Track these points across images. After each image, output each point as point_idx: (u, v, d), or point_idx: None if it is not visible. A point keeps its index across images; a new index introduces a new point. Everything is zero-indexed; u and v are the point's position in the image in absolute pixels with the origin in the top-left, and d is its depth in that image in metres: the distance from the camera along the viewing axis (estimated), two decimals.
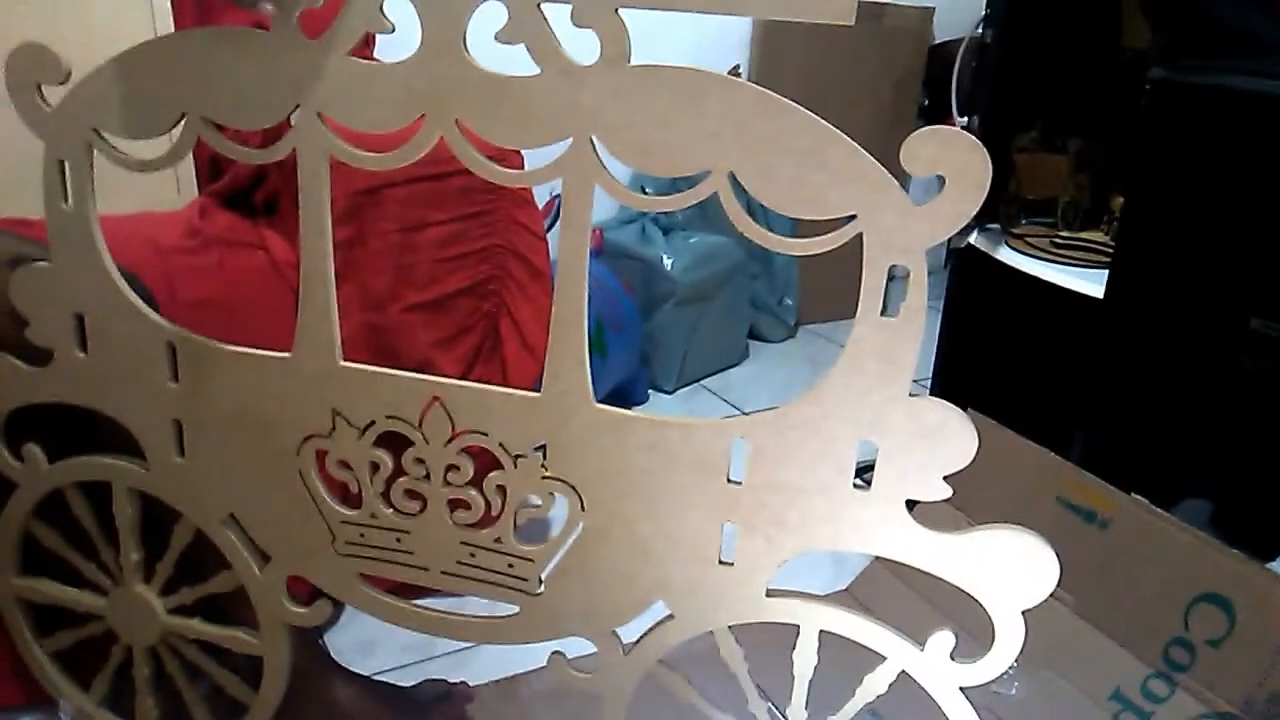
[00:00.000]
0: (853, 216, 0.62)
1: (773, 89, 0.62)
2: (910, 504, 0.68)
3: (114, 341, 0.79)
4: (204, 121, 0.72)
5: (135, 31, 1.12)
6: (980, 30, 1.46)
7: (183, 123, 0.72)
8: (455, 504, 0.77)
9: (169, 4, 1.19)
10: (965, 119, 1.65)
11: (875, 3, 2.31)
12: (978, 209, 0.60)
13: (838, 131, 0.61)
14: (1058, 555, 0.66)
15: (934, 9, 2.39)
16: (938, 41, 2.42)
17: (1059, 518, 1.15)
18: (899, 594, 1.23)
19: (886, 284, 0.64)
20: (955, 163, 0.59)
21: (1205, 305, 1.18)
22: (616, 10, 0.63)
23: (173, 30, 1.19)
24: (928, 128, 0.59)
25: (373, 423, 0.76)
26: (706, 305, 2.10)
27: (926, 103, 2.41)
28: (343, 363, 0.76)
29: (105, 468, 0.84)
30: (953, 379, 1.61)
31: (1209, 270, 1.17)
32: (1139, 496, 1.10)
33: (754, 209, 0.67)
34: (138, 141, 0.74)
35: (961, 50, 2.00)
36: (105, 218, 0.77)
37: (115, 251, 0.77)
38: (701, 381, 2.16)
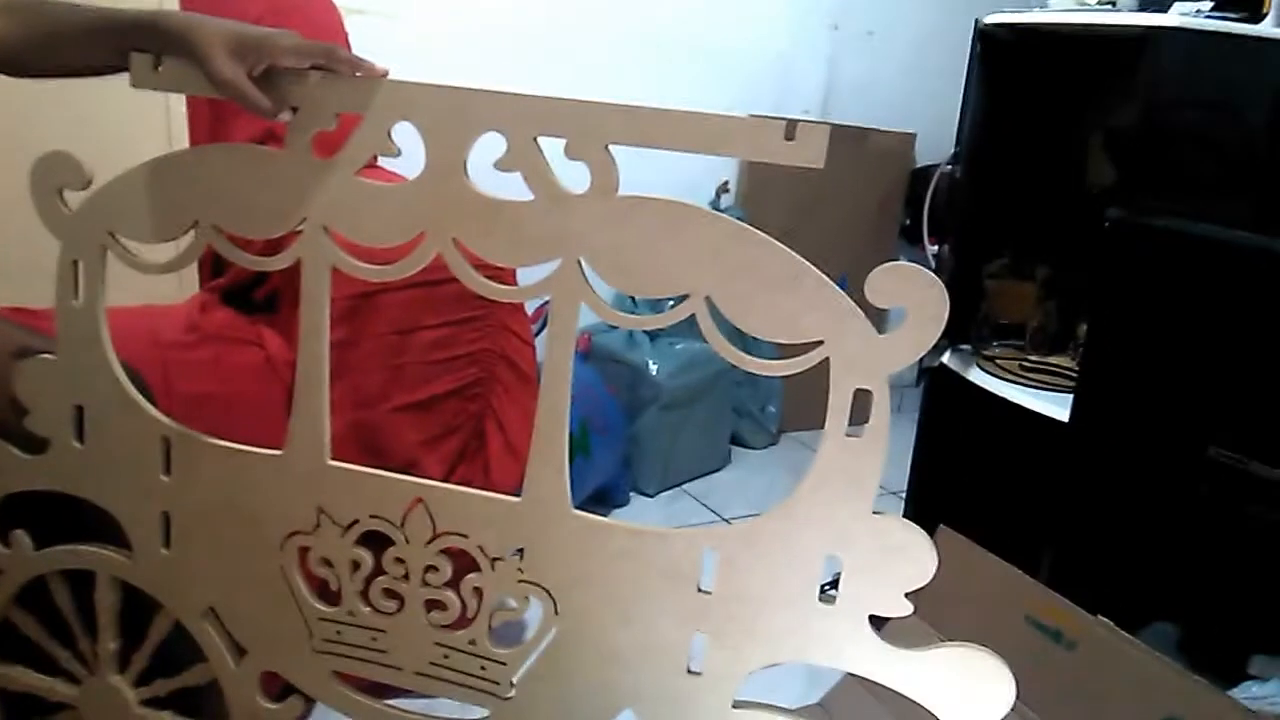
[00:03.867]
0: (820, 341, 0.67)
1: (760, 205, 0.67)
2: (878, 620, 0.70)
3: (110, 433, 0.81)
4: (215, 229, 0.76)
5: (151, 138, 1.17)
6: (950, 164, 1.54)
7: (195, 229, 0.77)
8: (432, 604, 0.79)
9: (185, 111, 1.26)
10: (938, 245, 1.72)
11: (860, 127, 2.42)
12: (936, 340, 0.64)
13: (807, 263, 0.66)
14: (1023, 675, 0.67)
15: (915, 134, 2.51)
16: (919, 165, 2.53)
17: (1027, 637, 1.16)
18: (871, 709, 1.23)
19: (852, 405, 0.67)
20: (916, 297, 0.64)
21: (1164, 433, 1.22)
22: (606, 146, 0.68)
23: (187, 135, 1.25)
24: (890, 264, 0.64)
25: (356, 521, 0.78)
26: (690, 410, 2.13)
27: (908, 222, 2.50)
28: (331, 462, 0.78)
29: (90, 556, 0.85)
30: (926, 494, 1.63)
31: (1168, 400, 1.21)
32: (1104, 619, 1.11)
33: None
34: (147, 244, 0.78)
35: (935, 179, 2.09)
36: (108, 310, 0.80)
37: (117, 345, 0.80)
38: (683, 485, 2.18)
